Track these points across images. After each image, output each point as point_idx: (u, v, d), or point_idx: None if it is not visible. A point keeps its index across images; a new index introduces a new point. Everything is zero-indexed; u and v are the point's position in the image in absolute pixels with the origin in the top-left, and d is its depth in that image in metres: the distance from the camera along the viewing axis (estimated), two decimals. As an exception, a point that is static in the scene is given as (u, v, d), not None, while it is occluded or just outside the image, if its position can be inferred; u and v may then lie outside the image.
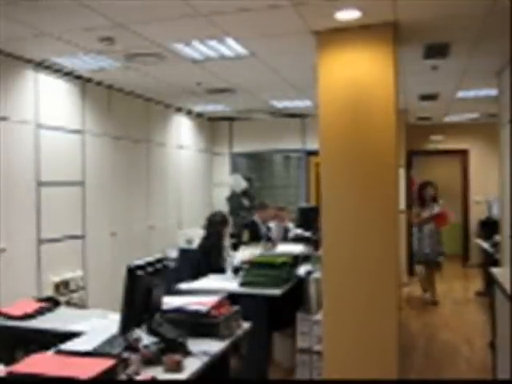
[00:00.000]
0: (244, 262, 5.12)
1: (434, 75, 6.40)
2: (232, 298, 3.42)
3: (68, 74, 6.01)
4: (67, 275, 5.84)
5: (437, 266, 8.17)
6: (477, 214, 10.65)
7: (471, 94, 7.77)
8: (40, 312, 3.46)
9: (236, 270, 5.13)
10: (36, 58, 5.41)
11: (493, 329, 4.11)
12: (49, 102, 5.75)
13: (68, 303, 5.53)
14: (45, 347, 2.60)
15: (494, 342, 4.16)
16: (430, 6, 4.00)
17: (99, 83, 6.58)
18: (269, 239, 6.52)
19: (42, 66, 5.58)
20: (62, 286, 5.71)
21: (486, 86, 7.05)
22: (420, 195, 8.23)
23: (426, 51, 5.29)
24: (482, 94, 7.69)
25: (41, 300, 3.79)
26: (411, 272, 10.00)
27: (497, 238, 6.41)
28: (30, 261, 5.41)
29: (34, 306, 3.53)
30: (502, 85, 6.12)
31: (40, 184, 5.56)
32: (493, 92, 6.91)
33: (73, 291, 5.88)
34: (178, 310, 3.05)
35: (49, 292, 5.41)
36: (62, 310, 3.68)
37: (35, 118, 5.53)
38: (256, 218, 7.70)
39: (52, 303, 3.71)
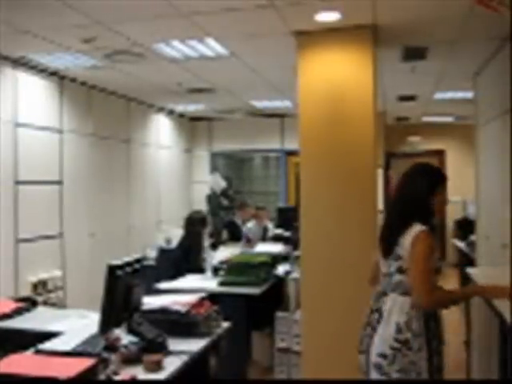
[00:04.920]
0: (223, 262, 5.14)
1: (413, 77, 6.47)
2: (211, 297, 3.42)
3: (47, 72, 5.95)
4: (45, 275, 5.79)
5: None
6: (453, 214, 10.77)
7: (448, 95, 7.88)
8: (18, 312, 3.42)
9: (215, 270, 5.14)
10: (14, 56, 5.35)
11: (468, 328, 4.18)
12: (28, 101, 5.69)
13: (46, 303, 5.48)
14: (23, 347, 2.58)
15: (468, 340, 4.22)
16: (409, 9, 4.06)
17: (79, 82, 6.53)
18: (248, 240, 6.54)
19: (20, 63, 5.53)
20: (40, 285, 5.66)
21: (462, 88, 7.15)
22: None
23: (404, 53, 5.35)
24: (458, 95, 7.80)
25: (18, 300, 3.74)
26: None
27: (472, 237, 6.50)
28: (8, 260, 5.35)
29: (11, 305, 3.49)
30: (477, 87, 6.21)
31: (18, 183, 5.50)
32: (469, 94, 7.00)
33: (51, 291, 5.83)
34: (158, 310, 3.05)
35: (26, 292, 5.35)
36: (40, 310, 3.63)
37: (13, 117, 5.47)
38: (236, 217, 7.71)
39: (30, 303, 3.67)
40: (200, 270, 5.37)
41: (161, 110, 8.84)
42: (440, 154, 11.54)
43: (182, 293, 3.63)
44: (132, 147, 7.86)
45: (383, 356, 2.55)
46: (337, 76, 4.51)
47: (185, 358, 2.66)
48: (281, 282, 5.07)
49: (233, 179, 10.33)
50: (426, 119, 10.63)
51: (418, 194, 2.60)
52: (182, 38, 4.79)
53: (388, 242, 2.61)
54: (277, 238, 6.91)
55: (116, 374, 2.36)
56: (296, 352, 4.76)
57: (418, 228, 2.49)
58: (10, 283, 5.34)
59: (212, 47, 5.07)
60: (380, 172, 8.70)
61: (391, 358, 2.53)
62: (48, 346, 2.57)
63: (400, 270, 2.55)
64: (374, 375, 2.59)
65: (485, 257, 5.68)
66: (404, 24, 4.43)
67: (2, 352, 2.39)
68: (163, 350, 2.66)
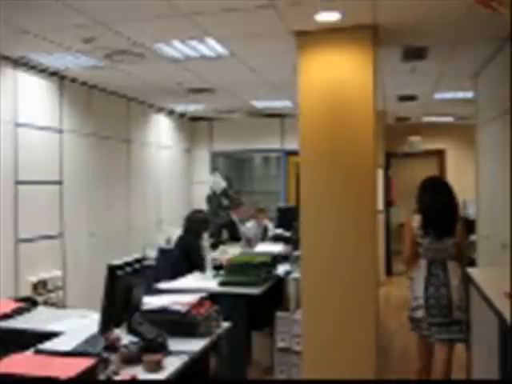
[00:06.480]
0: (223, 262, 5.14)
1: (413, 77, 6.47)
2: (211, 297, 3.42)
3: (47, 72, 5.95)
4: (45, 275, 5.79)
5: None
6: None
7: (448, 95, 7.87)
8: (18, 312, 3.42)
9: (215, 270, 5.14)
10: (14, 56, 5.35)
11: (468, 328, 4.17)
12: (28, 101, 5.69)
13: (46, 303, 5.48)
14: (23, 347, 2.58)
15: (469, 341, 4.21)
16: (409, 9, 4.06)
17: (79, 82, 6.53)
18: (248, 240, 6.53)
19: (20, 63, 5.52)
20: (40, 285, 5.66)
21: (462, 88, 7.15)
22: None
23: (404, 53, 5.35)
24: (458, 95, 7.80)
25: (18, 300, 3.74)
26: (389, 271, 10.10)
27: (472, 237, 6.49)
28: (8, 260, 5.35)
29: (11, 305, 3.49)
30: (477, 87, 6.21)
31: (18, 183, 5.50)
32: (469, 94, 7.01)
33: (51, 291, 5.83)
34: (158, 310, 3.05)
35: (26, 292, 5.35)
36: (41, 310, 3.63)
37: (13, 117, 5.47)
38: (233, 216, 7.71)
39: (30, 303, 3.66)
40: (200, 269, 5.37)
41: (161, 109, 8.84)
42: (440, 153, 11.53)
43: (182, 293, 3.63)
44: (132, 147, 7.87)
45: (462, 300, 3.87)
46: (337, 76, 4.51)
47: (185, 357, 2.66)
48: (281, 281, 5.07)
49: (233, 179, 10.31)
50: (426, 119, 10.63)
51: (456, 199, 4.01)
52: (183, 38, 4.79)
53: (449, 228, 3.92)
54: (277, 238, 6.91)
55: (116, 373, 2.36)
56: (296, 352, 4.76)
57: (460, 218, 4.04)
58: (10, 283, 5.34)
59: (212, 47, 5.07)
60: (380, 172, 8.70)
61: (464, 299, 3.90)
62: (48, 345, 2.57)
63: (455, 244, 3.91)
64: (458, 314, 3.83)
65: (485, 257, 5.69)
66: (404, 24, 4.43)
67: (2, 352, 2.39)
68: (163, 349, 2.66)
